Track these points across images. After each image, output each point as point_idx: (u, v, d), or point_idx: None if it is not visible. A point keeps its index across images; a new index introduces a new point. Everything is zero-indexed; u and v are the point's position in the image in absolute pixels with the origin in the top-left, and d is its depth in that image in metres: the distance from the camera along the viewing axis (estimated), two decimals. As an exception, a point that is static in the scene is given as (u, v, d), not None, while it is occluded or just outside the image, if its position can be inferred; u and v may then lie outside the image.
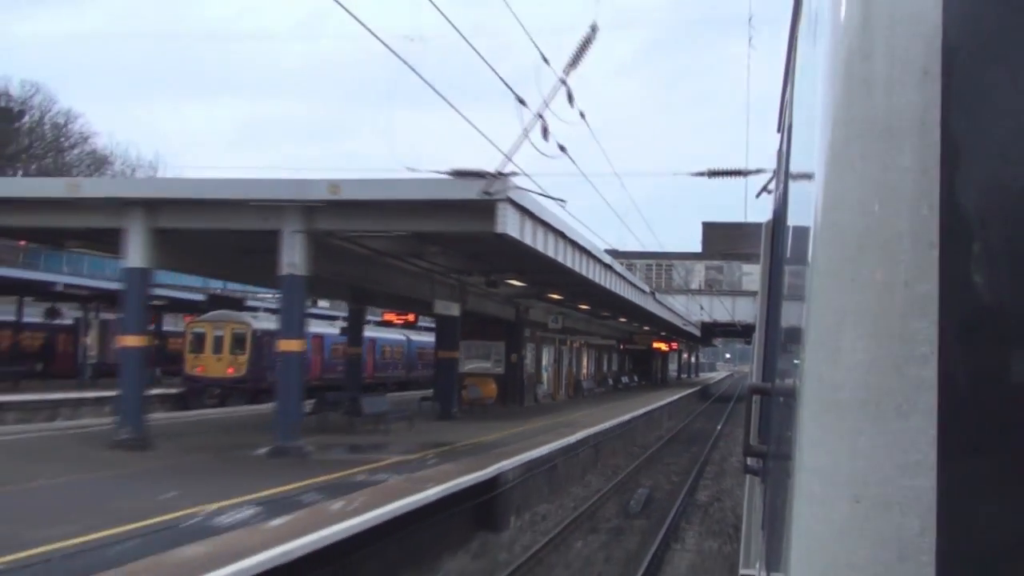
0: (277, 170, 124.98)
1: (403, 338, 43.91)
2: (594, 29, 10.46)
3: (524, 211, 12.83)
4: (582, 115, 11.83)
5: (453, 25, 9.21)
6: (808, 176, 1.38)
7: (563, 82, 10.45)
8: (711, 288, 57.48)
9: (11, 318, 31.04)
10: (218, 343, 29.27)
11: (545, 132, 10.66)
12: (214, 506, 8.85)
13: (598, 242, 21.77)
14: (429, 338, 43.28)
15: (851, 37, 1.19)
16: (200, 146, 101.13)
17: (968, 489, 1.06)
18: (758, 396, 2.70)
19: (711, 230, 63.26)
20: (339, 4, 8.25)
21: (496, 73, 10.26)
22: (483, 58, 9.83)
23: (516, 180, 12.21)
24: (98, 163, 63.30)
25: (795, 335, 1.50)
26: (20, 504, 9.35)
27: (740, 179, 15.00)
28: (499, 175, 11.10)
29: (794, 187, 2.10)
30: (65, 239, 16.28)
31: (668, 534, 13.19)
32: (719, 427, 32.89)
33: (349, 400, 19.41)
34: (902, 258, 1.11)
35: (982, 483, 1.06)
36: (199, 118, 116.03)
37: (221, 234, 14.75)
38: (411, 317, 30.99)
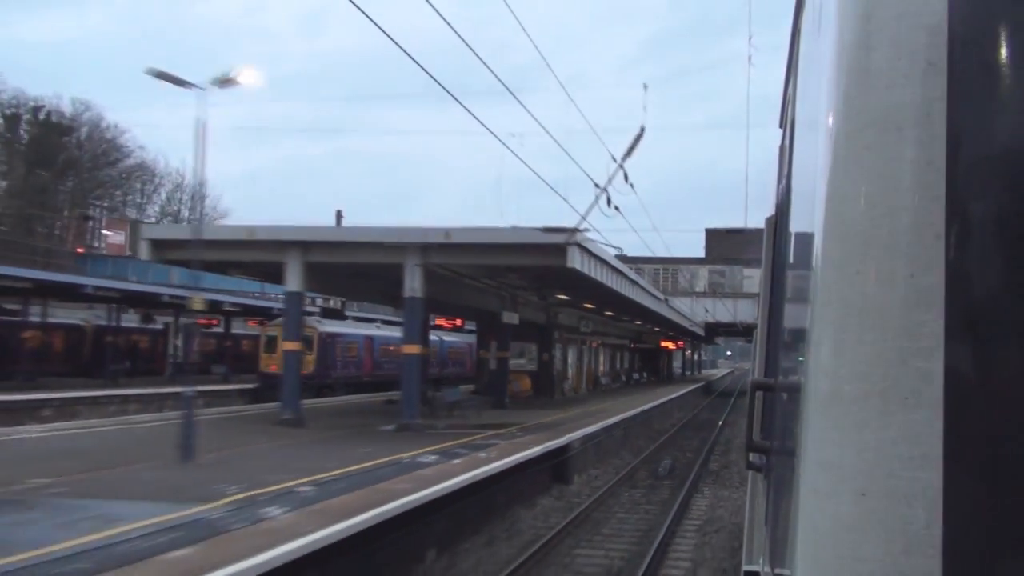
0: (283, 167, 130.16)
1: (437, 339, 48.75)
2: (643, 130, 15.18)
3: (586, 251, 17.63)
4: (632, 186, 16.62)
5: (497, 77, 13.93)
6: (812, 170, 1.38)
7: (621, 167, 15.20)
8: (714, 291, 62.21)
9: (106, 323, 35.80)
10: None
11: (608, 201, 15.42)
12: (407, 455, 13.63)
13: (611, 249, 26.61)
14: (456, 338, 48.25)
15: (856, 29, 1.19)
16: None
17: (974, 481, 1.04)
18: (760, 392, 2.71)
19: (713, 236, 68.05)
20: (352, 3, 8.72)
21: (575, 162, 15.01)
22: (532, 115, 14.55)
23: (579, 228, 16.99)
24: (147, 174, 68.30)
25: (799, 330, 1.49)
26: (246, 462, 13.89)
27: (741, 185, 19.93)
28: (574, 230, 15.89)
29: (797, 181, 2.11)
30: (233, 269, 21.11)
31: (691, 488, 17.95)
32: (724, 417, 37.68)
33: (428, 391, 24.21)
34: (907, 250, 1.10)
35: (988, 475, 1.04)
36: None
37: (349, 265, 19.52)
38: (459, 322, 35.76)
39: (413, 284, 17.94)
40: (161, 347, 37.42)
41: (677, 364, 79.37)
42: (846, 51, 1.20)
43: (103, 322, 34.99)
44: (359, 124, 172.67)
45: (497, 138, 13.67)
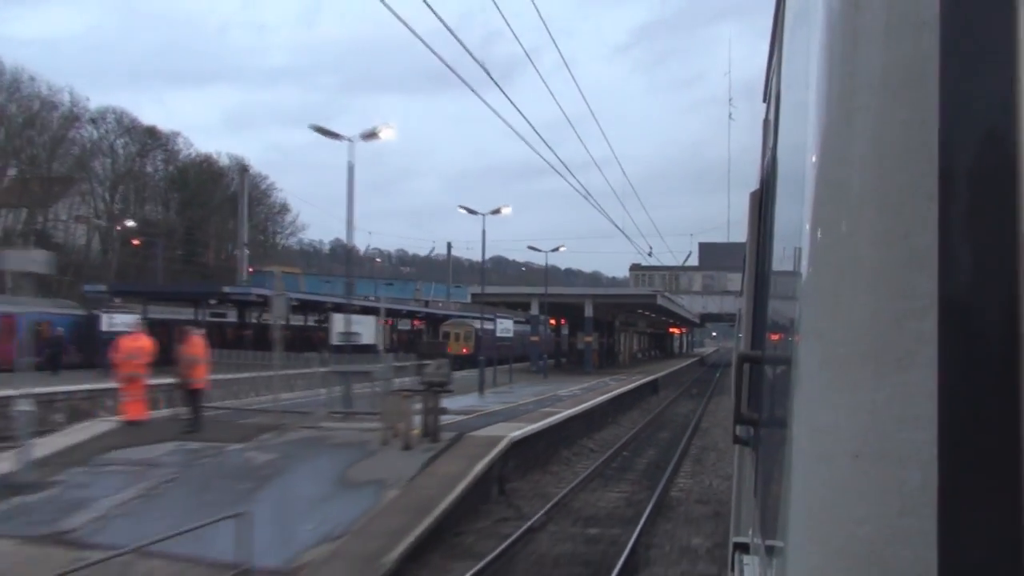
0: (266, 153, 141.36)
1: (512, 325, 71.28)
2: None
3: (665, 296, 40.07)
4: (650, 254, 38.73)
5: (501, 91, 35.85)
6: (800, 138, 1.38)
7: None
8: (706, 289, 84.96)
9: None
10: (458, 336, 56.13)
11: (650, 252, 37.66)
12: (592, 380, 36.06)
13: (627, 257, 48.66)
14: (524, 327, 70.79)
15: None
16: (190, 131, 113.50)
17: (969, 442, 1.04)
18: (748, 364, 2.67)
19: (706, 248, 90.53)
20: None
21: (558, 159, 37.46)
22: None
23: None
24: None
25: (788, 299, 1.51)
26: (526, 389, 35.83)
27: (724, 165, 42.65)
28: (659, 293, 38.22)
29: (783, 152, 2.13)
30: (495, 306, 43.30)
31: (707, 400, 40.37)
32: (716, 376, 60.27)
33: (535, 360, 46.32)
34: (900, 211, 1.09)
35: (982, 435, 1.04)
36: (188, 106, 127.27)
37: (561, 305, 41.73)
38: (563, 320, 57.97)
39: (588, 312, 40.12)
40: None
41: (676, 344, 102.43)
42: (835, 12, 1.19)
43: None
44: (346, 111, 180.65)
45: (531, 125, 36.10)
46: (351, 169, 22.32)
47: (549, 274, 43.77)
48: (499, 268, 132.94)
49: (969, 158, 1.08)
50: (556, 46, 16.92)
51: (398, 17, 10.66)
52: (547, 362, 42.34)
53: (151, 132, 78.23)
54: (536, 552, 11.24)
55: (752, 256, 3.69)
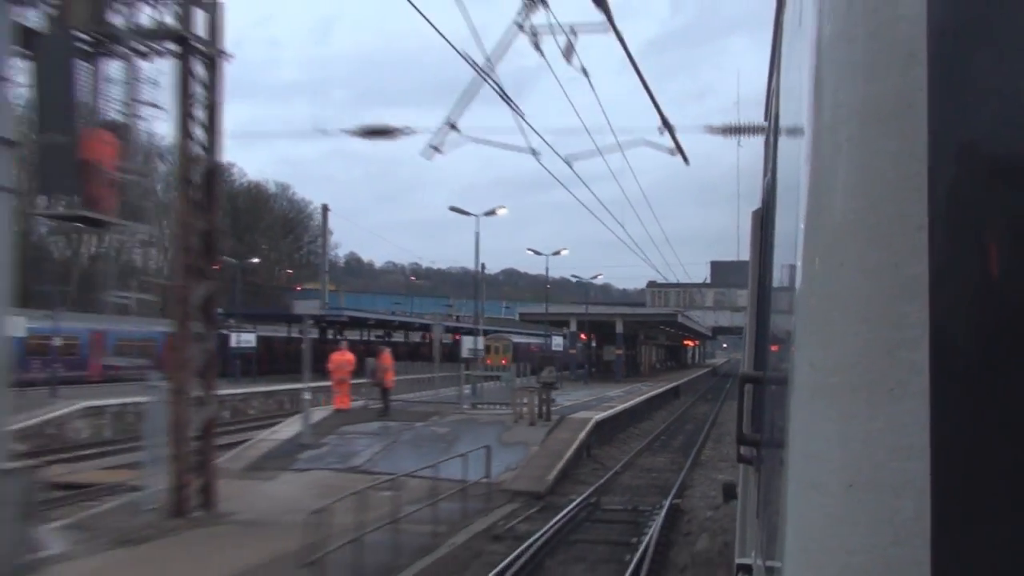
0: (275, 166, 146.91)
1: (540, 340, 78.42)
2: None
3: (684, 316, 47.36)
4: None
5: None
6: (796, 162, 1.39)
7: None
8: (717, 305, 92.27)
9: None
10: (497, 349, 63.56)
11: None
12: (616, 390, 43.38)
13: (638, 270, 56.07)
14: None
15: (835, 21, 1.19)
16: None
17: (962, 471, 1.04)
18: (750, 385, 2.65)
19: (717, 267, 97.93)
20: None
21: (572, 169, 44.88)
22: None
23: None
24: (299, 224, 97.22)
25: (786, 322, 1.51)
26: (576, 392, 43.11)
27: (733, 179, 50.23)
28: (680, 312, 45.46)
29: (782, 175, 2.15)
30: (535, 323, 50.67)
31: (720, 404, 47.56)
32: (727, 385, 67.37)
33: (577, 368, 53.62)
34: (891, 241, 1.10)
35: (976, 465, 1.04)
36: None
37: (595, 323, 49.15)
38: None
39: (620, 330, 47.40)
40: (426, 351, 66.90)
41: (690, 355, 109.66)
42: (826, 43, 1.20)
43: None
44: (355, 122, 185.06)
45: (542, 139, 43.52)
46: (477, 238, 30.59)
47: (560, 287, 51.16)
48: (510, 280, 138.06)
49: (958, 188, 1.08)
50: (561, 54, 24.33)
51: (435, 28, 10.28)
52: (585, 370, 49.66)
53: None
54: (623, 484, 18.56)
55: (754, 275, 3.75)
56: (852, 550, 1.09)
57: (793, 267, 1.34)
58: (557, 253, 48.57)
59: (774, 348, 2.08)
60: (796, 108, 1.46)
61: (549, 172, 20.42)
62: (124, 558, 11.00)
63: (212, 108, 13.68)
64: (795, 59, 1.61)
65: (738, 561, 3.59)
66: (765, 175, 3.44)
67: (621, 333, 47.64)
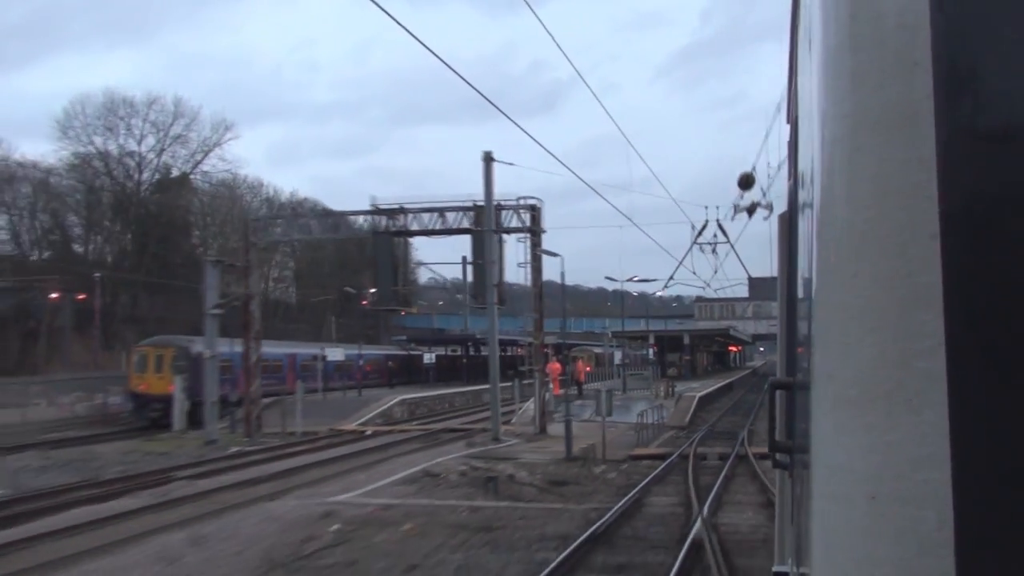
0: (308, 183, 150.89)
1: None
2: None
3: (735, 329, 64.53)
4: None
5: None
6: (810, 171, 1.41)
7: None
8: (756, 315, 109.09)
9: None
10: (586, 359, 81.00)
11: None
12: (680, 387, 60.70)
13: (694, 289, 73.46)
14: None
15: (840, 31, 1.19)
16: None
17: (984, 480, 1.04)
18: (781, 391, 2.64)
19: (755, 282, 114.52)
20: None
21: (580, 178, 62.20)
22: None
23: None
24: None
25: (807, 331, 1.52)
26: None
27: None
28: (731, 327, 62.38)
29: (803, 175, 2.14)
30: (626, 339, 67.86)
31: (763, 394, 64.41)
32: (766, 385, 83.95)
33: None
34: (903, 251, 1.10)
35: (998, 473, 1.04)
36: (239, 147, 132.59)
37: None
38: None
39: (686, 340, 64.54)
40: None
41: (732, 359, 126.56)
42: (832, 53, 1.21)
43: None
44: (387, 141, 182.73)
45: (555, 157, 60.89)
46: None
47: (598, 297, 66.53)
48: (546, 292, 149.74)
49: (969, 195, 1.07)
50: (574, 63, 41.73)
51: (435, 54, 12.71)
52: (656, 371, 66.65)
53: (328, 213, 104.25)
54: (718, 428, 35.98)
55: (783, 280, 3.72)
56: (878, 562, 1.10)
57: (811, 276, 1.35)
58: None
59: (801, 355, 2.09)
60: (808, 116, 1.49)
61: (586, 183, 37.83)
62: (531, 445, 28.50)
63: (537, 257, 31.46)
64: (806, 67, 1.64)
65: (775, 569, 3.62)
66: (789, 178, 3.50)
67: (688, 344, 64.68)
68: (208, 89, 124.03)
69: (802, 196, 2.02)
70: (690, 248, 31.94)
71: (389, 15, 11.30)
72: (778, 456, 3.25)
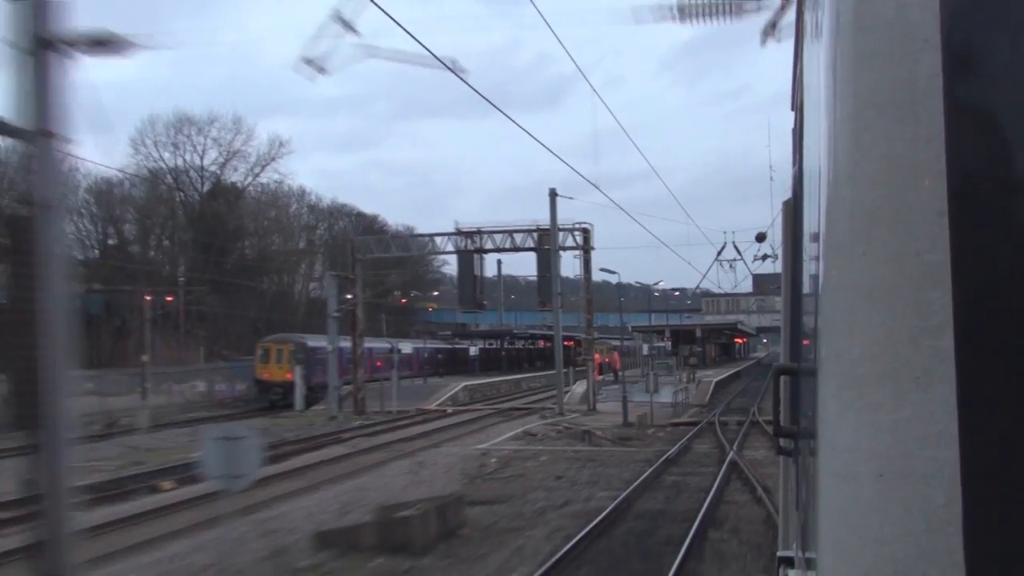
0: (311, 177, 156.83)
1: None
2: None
3: (742, 323, 72.54)
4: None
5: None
6: (818, 152, 1.40)
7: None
8: (759, 309, 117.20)
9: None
10: (602, 351, 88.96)
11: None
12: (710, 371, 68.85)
13: (677, 267, 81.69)
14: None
15: (849, 11, 1.19)
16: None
17: (991, 458, 1.04)
18: (785, 377, 2.65)
19: (758, 278, 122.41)
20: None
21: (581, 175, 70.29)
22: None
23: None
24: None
25: (814, 313, 1.50)
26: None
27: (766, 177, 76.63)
28: (739, 321, 70.40)
29: (808, 165, 2.14)
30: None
31: (768, 380, 72.47)
32: (769, 373, 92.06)
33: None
34: (912, 229, 1.09)
35: (1005, 450, 1.04)
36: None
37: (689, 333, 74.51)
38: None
39: (699, 334, 72.53)
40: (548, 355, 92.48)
41: (737, 350, 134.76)
42: (841, 33, 1.20)
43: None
44: (391, 135, 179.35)
45: (553, 153, 68.92)
46: (588, 265, 55.37)
47: (603, 290, 74.68)
48: (568, 289, 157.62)
49: (977, 174, 1.07)
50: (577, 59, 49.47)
51: (432, 53, 11.96)
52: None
53: (361, 216, 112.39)
54: (732, 407, 44.06)
55: (787, 266, 3.76)
56: (885, 539, 1.09)
57: (818, 257, 1.34)
58: (656, 283, 73.78)
59: (805, 341, 2.07)
60: (816, 98, 1.48)
61: (584, 177, 45.79)
62: (589, 418, 36.49)
63: (587, 264, 39.48)
64: (814, 48, 1.63)
65: (780, 554, 3.60)
66: (794, 164, 3.44)
67: (700, 337, 72.65)
68: (213, 83, 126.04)
69: (808, 179, 2.06)
70: (711, 265, 39.77)
71: (389, 15, 10.94)
72: (782, 443, 3.42)
